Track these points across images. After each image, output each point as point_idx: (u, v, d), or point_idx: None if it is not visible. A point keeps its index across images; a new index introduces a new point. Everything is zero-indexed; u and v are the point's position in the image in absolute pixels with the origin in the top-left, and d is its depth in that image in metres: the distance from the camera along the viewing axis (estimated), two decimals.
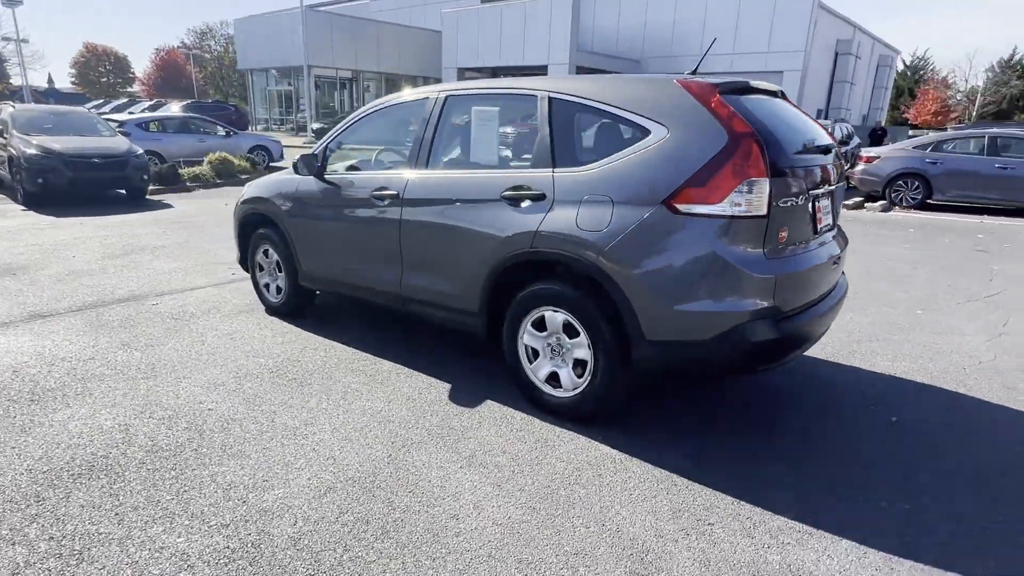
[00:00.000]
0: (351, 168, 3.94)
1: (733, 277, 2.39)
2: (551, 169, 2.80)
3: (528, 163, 2.95)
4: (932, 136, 12.29)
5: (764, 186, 2.35)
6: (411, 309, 3.50)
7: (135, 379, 3.35)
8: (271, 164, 15.69)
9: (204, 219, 8.42)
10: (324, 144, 3.94)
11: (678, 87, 2.56)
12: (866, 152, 12.14)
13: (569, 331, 2.81)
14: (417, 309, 3.46)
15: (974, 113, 42.52)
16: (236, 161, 13.44)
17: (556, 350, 2.91)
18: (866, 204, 11.53)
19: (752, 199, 2.34)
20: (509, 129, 3.43)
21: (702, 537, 2.13)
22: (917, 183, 11.34)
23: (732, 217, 2.36)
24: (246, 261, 4.70)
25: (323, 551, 2.02)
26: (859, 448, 2.74)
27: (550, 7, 22.63)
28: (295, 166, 3.93)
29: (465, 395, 3.20)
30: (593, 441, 2.74)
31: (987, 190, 10.84)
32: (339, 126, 4.00)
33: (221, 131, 15.57)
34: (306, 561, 1.98)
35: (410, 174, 3.38)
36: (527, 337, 2.98)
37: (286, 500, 2.29)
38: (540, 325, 2.92)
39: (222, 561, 1.97)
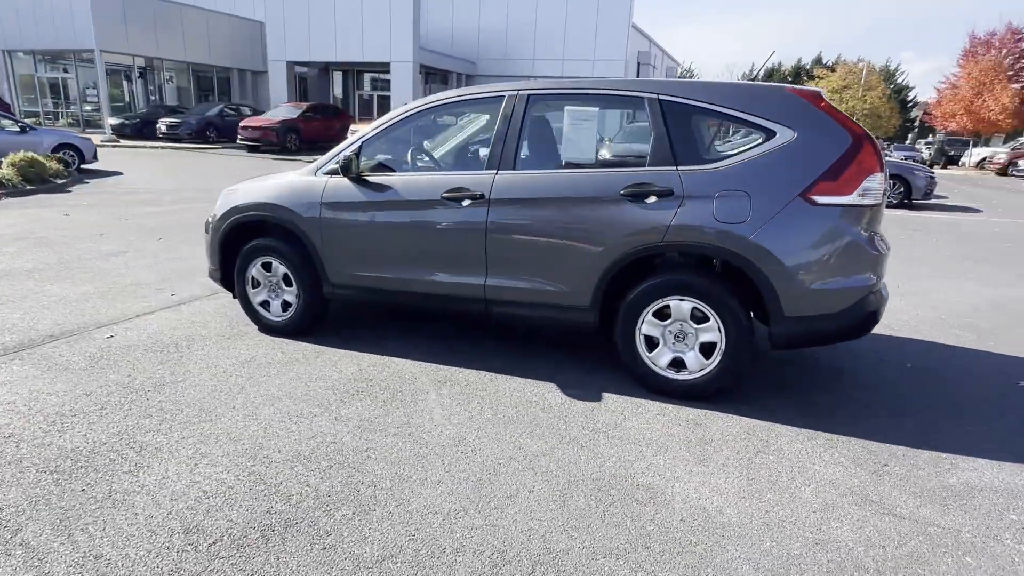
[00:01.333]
0: (378, 168, 3.66)
1: (861, 256, 2.81)
2: (675, 167, 2.97)
3: (644, 161, 3.08)
4: None
5: (880, 179, 2.80)
6: (497, 312, 3.39)
7: (187, 423, 2.78)
8: (83, 167, 13.17)
9: (56, 234, 6.89)
10: (357, 145, 3.61)
11: (792, 94, 2.91)
12: None
13: (696, 317, 3.02)
14: (505, 311, 3.37)
15: None
16: (47, 163, 11.07)
17: (679, 336, 3.09)
18: None
19: (872, 190, 2.78)
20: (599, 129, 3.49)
21: (885, 473, 2.50)
22: None
23: (860, 206, 2.78)
24: (230, 278, 4.08)
25: None
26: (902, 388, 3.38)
27: (389, 1, 22.10)
28: (323, 168, 3.55)
29: (577, 390, 3.21)
30: (732, 415, 2.97)
31: None
32: (375, 126, 3.69)
33: (12, 125, 12.67)
34: None
35: (495, 174, 3.28)
36: (646, 327, 3.12)
37: (536, 527, 2.17)
38: (660, 314, 3.08)
39: None
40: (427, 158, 3.92)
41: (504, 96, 3.37)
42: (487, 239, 3.27)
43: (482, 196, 3.26)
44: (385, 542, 2.03)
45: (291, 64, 24.81)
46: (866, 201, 2.77)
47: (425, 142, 3.97)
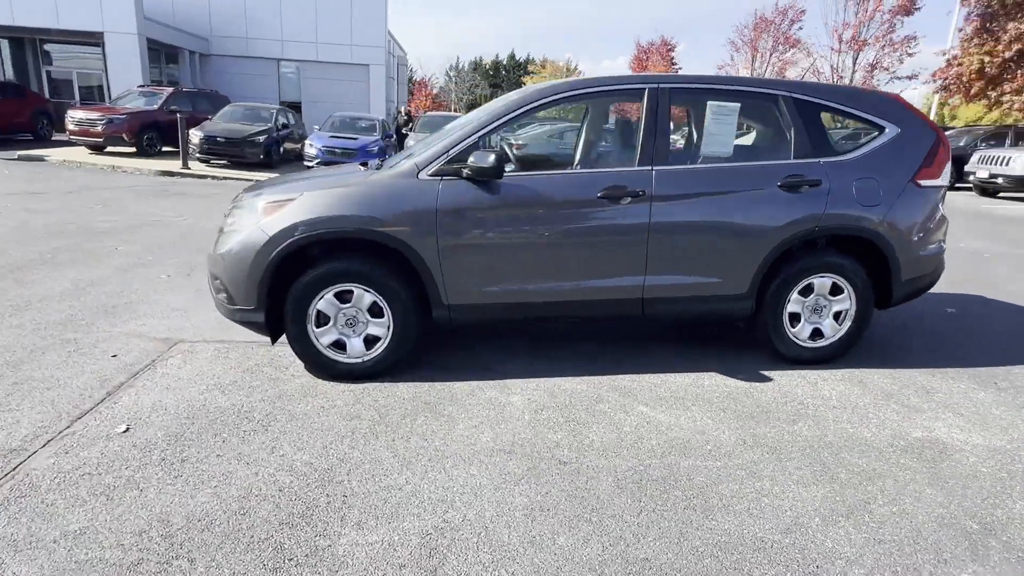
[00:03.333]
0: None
1: (942, 226, 3.54)
2: (818, 159, 3.28)
3: (785, 155, 3.31)
4: None
5: (950, 166, 3.56)
6: (655, 310, 3.29)
7: (433, 503, 2.15)
8: None
9: None
10: (473, 141, 3.08)
11: (889, 96, 3.48)
12: (514, 138, 14.81)
13: (833, 291, 3.42)
14: (664, 309, 3.30)
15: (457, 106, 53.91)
16: None
17: (816, 310, 3.46)
18: None
19: (948, 174, 3.52)
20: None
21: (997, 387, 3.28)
22: None
23: (944, 187, 3.50)
24: (279, 316, 3.10)
25: None
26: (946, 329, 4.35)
27: None
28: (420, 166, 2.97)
29: (745, 375, 3.33)
30: (867, 369, 3.47)
31: None
32: (491, 118, 3.17)
33: None
34: None
35: (653, 170, 3.15)
36: (791, 305, 3.41)
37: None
38: (804, 291, 3.40)
39: None
40: (557, 154, 3.52)
41: (645, 88, 3.25)
42: (649, 237, 3.16)
43: (643, 193, 3.12)
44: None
45: None
46: (946, 183, 3.52)
47: (547, 137, 3.54)
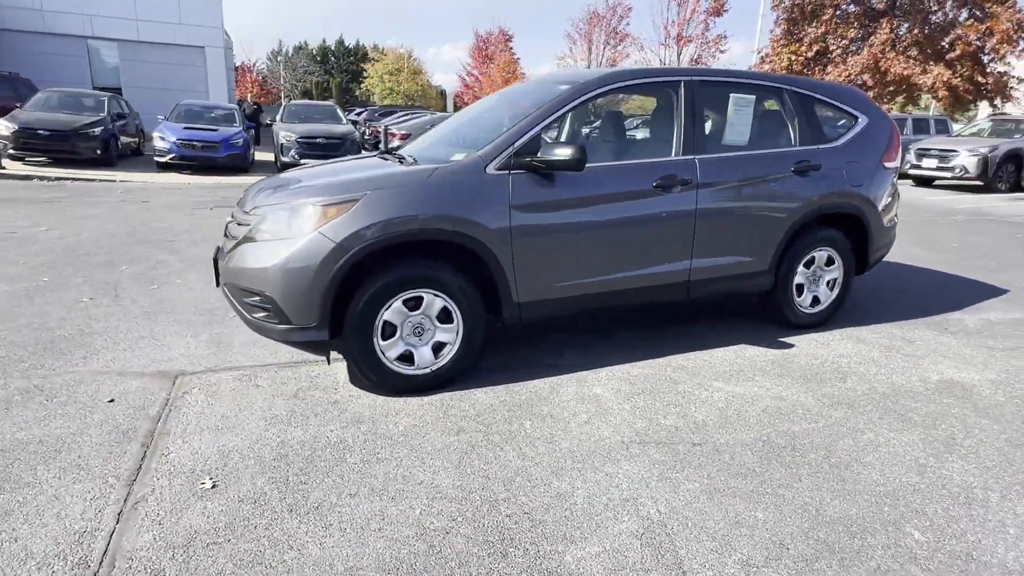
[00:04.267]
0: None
1: (898, 202, 4.17)
2: (816, 146, 3.67)
3: (790, 143, 3.65)
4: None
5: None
6: (697, 294, 3.47)
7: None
8: None
9: None
10: (535, 132, 2.99)
11: (858, 91, 3.99)
12: (397, 128, 14.26)
13: (828, 262, 3.87)
14: (704, 291, 3.49)
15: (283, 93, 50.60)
16: None
17: (815, 280, 3.88)
18: None
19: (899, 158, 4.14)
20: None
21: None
22: None
23: (898, 167, 4.11)
24: (344, 329, 2.77)
25: None
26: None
27: None
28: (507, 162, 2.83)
29: (765, 344, 3.63)
30: (853, 328, 3.98)
31: None
32: (549, 110, 3.06)
33: None
34: None
35: (696, 159, 3.30)
36: (798, 277, 3.80)
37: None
38: (807, 264, 3.81)
39: None
40: (608, 145, 3.47)
41: (681, 80, 3.38)
42: (696, 223, 3.32)
43: (690, 181, 3.27)
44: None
45: None
46: (899, 164, 4.14)
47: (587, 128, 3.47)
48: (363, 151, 13.71)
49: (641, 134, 4.33)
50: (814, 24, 20.28)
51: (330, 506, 2.06)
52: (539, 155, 2.89)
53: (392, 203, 2.73)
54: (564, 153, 2.84)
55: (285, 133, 12.72)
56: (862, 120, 3.92)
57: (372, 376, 2.85)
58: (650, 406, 2.86)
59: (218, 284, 3.16)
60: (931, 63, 18.63)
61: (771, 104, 3.79)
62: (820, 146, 3.72)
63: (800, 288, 3.86)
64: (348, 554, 1.85)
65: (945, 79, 18.24)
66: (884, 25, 19.03)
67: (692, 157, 3.32)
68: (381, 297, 2.75)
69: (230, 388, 2.91)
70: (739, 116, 3.60)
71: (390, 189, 2.78)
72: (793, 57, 20.77)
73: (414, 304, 2.84)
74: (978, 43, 18.35)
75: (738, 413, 2.81)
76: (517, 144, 2.95)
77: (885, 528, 2.04)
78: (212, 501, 2.06)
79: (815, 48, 20.27)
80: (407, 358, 2.89)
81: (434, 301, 2.86)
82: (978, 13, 18.25)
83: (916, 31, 19.07)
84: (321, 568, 1.78)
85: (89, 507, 2.01)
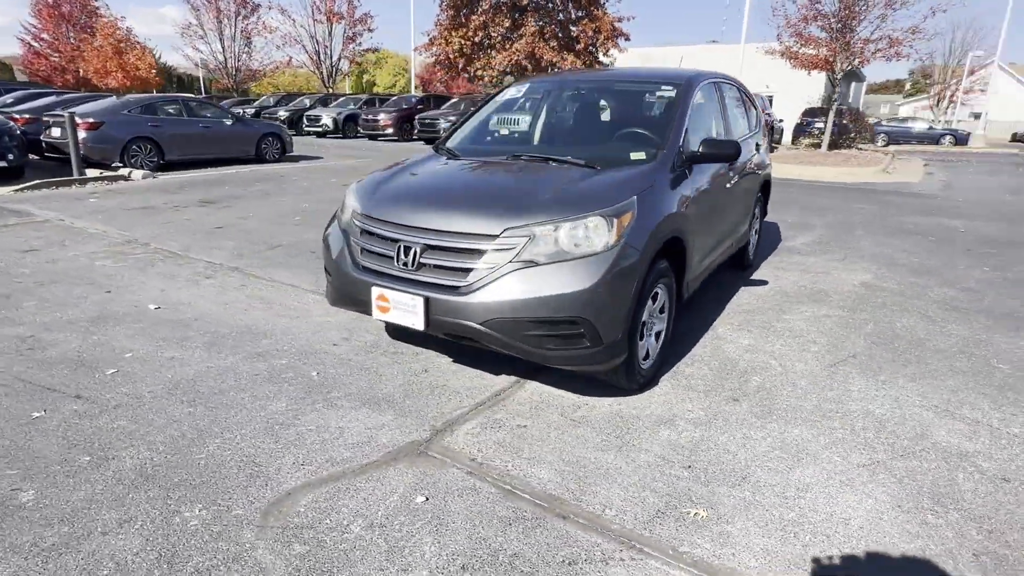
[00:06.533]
0: None
1: None
2: (750, 128, 5.01)
3: (748, 128, 4.88)
4: (136, 97, 12.62)
5: None
6: (743, 256, 4.57)
7: None
8: None
9: None
10: (685, 132, 3.50)
11: None
12: (83, 118, 10.92)
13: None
14: (740, 255, 4.60)
15: None
16: None
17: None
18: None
19: None
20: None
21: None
22: (151, 147, 11.72)
23: None
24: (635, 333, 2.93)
25: None
26: None
27: None
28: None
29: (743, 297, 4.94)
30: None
31: (201, 147, 12.70)
32: (681, 115, 3.54)
33: None
34: None
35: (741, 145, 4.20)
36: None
37: None
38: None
39: None
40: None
41: (721, 83, 4.27)
42: (737, 199, 4.34)
43: (745, 164, 4.27)
44: None
45: None
46: None
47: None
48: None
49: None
50: (476, 12, 22.80)
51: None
52: (704, 150, 3.41)
53: (656, 208, 2.95)
54: (729, 148, 3.43)
55: None
56: None
57: (625, 379, 3.03)
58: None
59: (427, 327, 2.77)
60: (566, 52, 23.25)
61: (741, 96, 4.98)
62: (752, 129, 5.12)
63: None
64: None
65: (579, 65, 23.09)
66: (529, 19, 22.76)
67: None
68: (647, 296, 2.96)
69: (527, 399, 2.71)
70: (734, 109, 4.65)
71: (641, 194, 2.94)
72: (463, 42, 23.02)
73: (652, 300, 3.12)
74: (592, 39, 23.65)
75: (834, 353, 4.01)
76: (680, 143, 3.41)
77: None
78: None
79: (480, 34, 22.88)
80: (650, 354, 3.18)
81: (661, 293, 3.19)
82: (590, 15, 23.47)
83: (553, 26, 23.43)
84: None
85: None
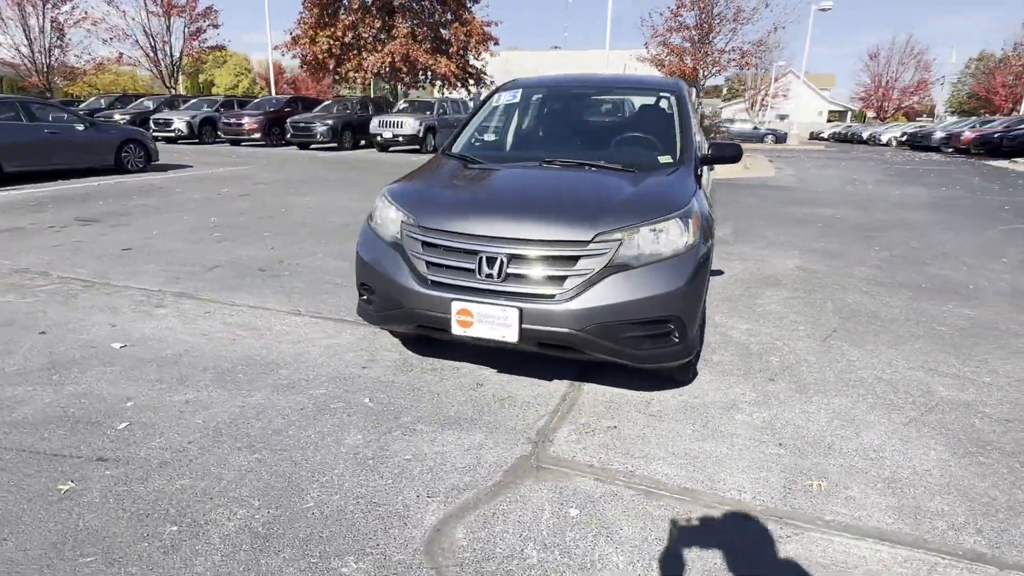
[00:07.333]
0: None
1: None
2: None
3: None
4: None
5: None
6: None
7: None
8: None
9: None
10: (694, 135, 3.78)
11: None
12: None
13: None
14: None
15: None
16: None
17: None
18: None
19: None
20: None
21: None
22: None
23: None
24: None
25: None
26: None
27: None
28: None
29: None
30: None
31: (48, 157, 10.84)
32: (691, 123, 3.77)
33: None
34: None
35: None
36: None
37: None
38: None
39: None
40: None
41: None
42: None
43: None
44: None
45: None
46: None
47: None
48: None
49: None
50: (343, 12, 21.92)
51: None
52: (712, 153, 3.70)
53: (701, 206, 3.14)
54: (731, 150, 3.76)
55: None
56: None
57: (687, 371, 3.23)
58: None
59: (520, 339, 2.74)
60: (439, 55, 23.19)
61: None
62: None
63: None
64: None
65: (453, 69, 23.15)
66: (400, 21, 22.36)
67: None
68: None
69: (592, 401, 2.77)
70: None
71: (697, 198, 3.14)
72: (333, 42, 21.99)
73: None
74: (463, 43, 23.84)
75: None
76: (693, 147, 3.66)
77: None
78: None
79: (350, 34, 22.02)
80: None
81: None
82: (460, 18, 23.61)
83: (426, 28, 23.24)
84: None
85: None
